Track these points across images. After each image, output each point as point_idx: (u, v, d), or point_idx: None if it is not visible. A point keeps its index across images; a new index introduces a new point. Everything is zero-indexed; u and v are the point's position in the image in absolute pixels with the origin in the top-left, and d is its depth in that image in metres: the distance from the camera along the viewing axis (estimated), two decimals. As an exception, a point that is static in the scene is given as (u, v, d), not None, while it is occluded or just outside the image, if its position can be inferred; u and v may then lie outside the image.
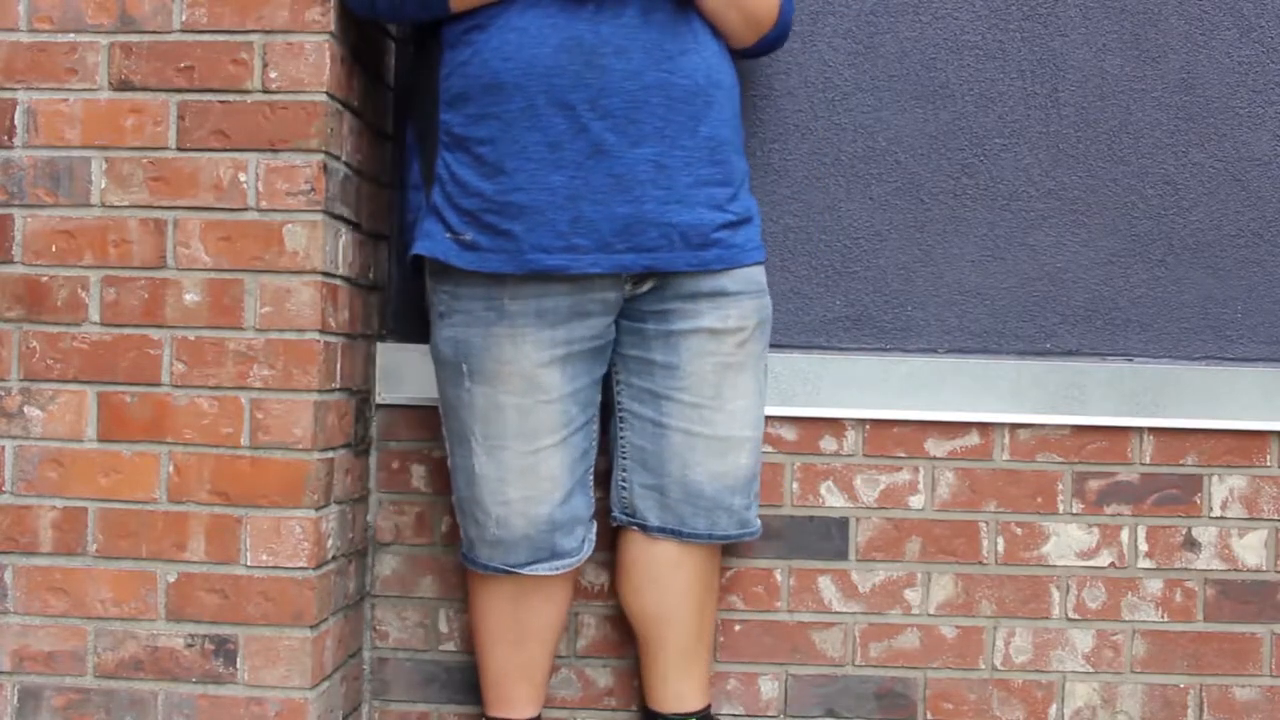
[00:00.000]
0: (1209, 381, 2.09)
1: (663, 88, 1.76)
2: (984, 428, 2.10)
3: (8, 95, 1.85)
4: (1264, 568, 2.11)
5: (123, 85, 1.84)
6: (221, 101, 1.82)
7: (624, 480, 1.92)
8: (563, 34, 1.74)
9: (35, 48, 1.84)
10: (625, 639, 2.11)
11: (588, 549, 1.92)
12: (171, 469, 1.83)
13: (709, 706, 1.98)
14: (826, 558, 2.10)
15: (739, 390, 1.87)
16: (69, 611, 1.85)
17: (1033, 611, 2.11)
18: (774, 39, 1.94)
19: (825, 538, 2.10)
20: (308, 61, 1.81)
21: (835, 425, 2.10)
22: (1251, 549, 2.11)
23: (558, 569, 1.88)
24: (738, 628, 2.11)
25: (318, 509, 1.84)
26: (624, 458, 1.92)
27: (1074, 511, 2.11)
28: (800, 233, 2.12)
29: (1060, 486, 2.10)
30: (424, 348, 2.10)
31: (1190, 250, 2.13)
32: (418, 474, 2.12)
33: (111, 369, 1.84)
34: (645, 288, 1.84)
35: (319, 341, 1.82)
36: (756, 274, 1.89)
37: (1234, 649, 2.10)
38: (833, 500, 2.10)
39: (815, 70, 2.13)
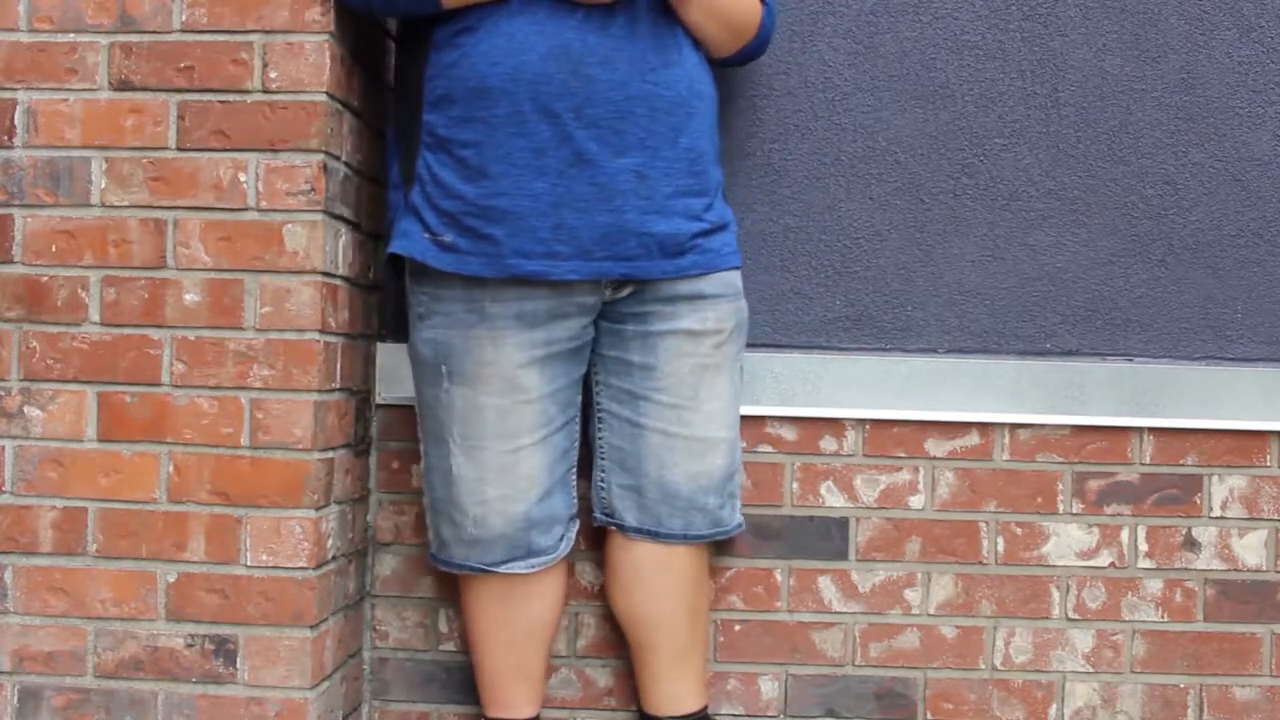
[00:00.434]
0: (1209, 381, 2.08)
1: (647, 99, 1.78)
2: (984, 428, 2.10)
3: (8, 95, 1.85)
4: (1264, 568, 2.11)
5: (123, 85, 1.84)
6: (221, 101, 1.82)
7: (603, 481, 1.93)
8: (550, 41, 1.75)
9: (35, 48, 1.84)
10: (625, 639, 2.11)
11: (565, 546, 1.92)
12: (171, 469, 1.83)
13: (705, 708, 1.98)
14: (826, 558, 2.10)
15: (715, 391, 1.88)
16: (69, 611, 1.85)
17: (1033, 611, 2.11)
18: (754, 50, 1.97)
19: (825, 538, 2.10)
20: (308, 61, 1.81)
21: (835, 425, 2.10)
22: (1251, 549, 2.11)
23: (533, 566, 1.88)
24: (738, 628, 2.11)
25: (318, 509, 1.84)
26: (602, 458, 1.92)
27: (1074, 511, 2.11)
28: (800, 233, 2.12)
29: (1060, 486, 2.10)
30: (424, 348, 2.10)
31: (1190, 250, 2.13)
32: (418, 474, 2.12)
33: (111, 369, 1.84)
34: (624, 293, 1.85)
35: (319, 341, 1.82)
36: (733, 278, 1.91)
37: (1234, 649, 2.10)
38: (833, 500, 2.10)
39: (815, 70, 2.13)
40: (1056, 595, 2.10)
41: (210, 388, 1.83)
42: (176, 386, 1.83)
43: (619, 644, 2.11)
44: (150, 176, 1.83)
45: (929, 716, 2.11)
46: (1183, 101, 2.12)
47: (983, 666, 2.11)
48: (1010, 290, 2.13)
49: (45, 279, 1.85)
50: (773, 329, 2.12)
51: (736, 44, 1.92)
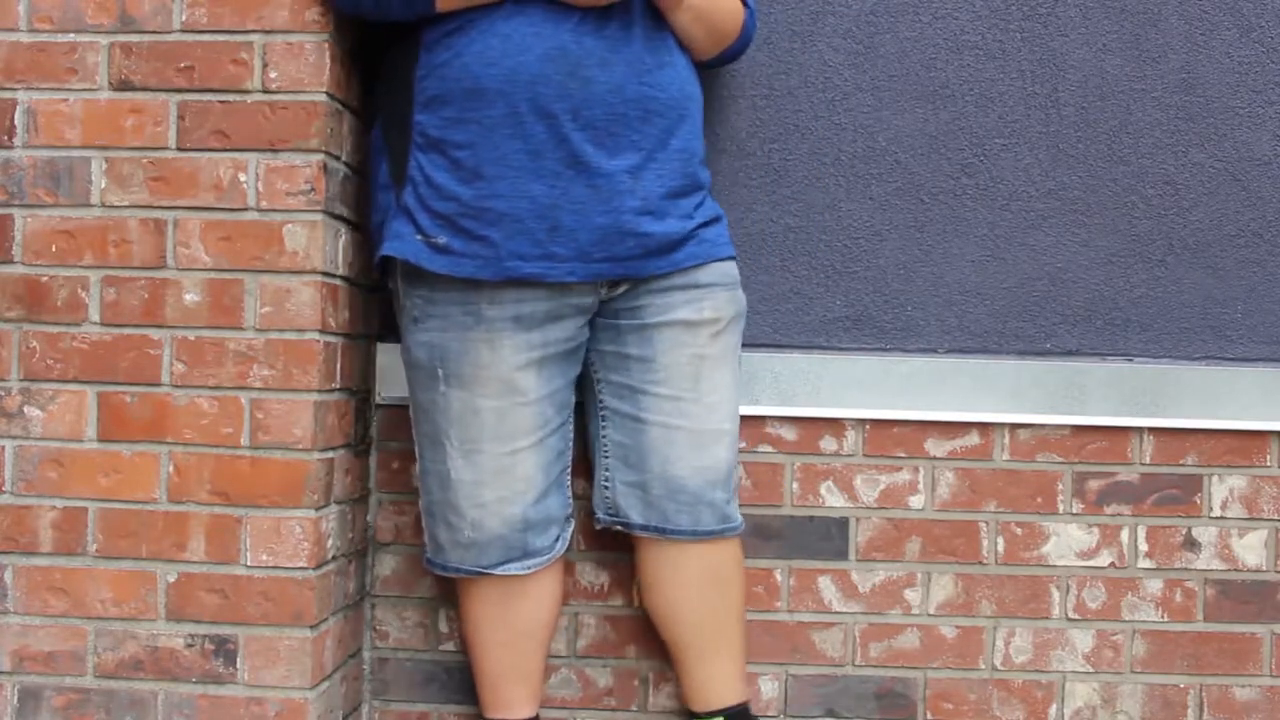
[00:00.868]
0: (1209, 381, 2.09)
1: (642, 101, 1.79)
2: (984, 428, 2.10)
3: (8, 95, 1.85)
4: (1264, 568, 2.11)
5: (123, 85, 1.84)
6: (221, 101, 1.82)
7: (607, 479, 1.92)
8: (547, 43, 1.75)
9: (35, 48, 1.84)
10: (625, 639, 2.11)
11: (561, 547, 1.92)
12: (171, 469, 1.83)
13: (742, 704, 1.97)
14: (826, 558, 2.10)
15: (715, 383, 1.88)
16: (69, 611, 1.85)
17: (1033, 611, 2.11)
18: (735, 52, 1.98)
19: (825, 538, 2.10)
20: (308, 61, 1.81)
21: (835, 425, 2.10)
22: (1251, 549, 2.11)
23: (529, 568, 1.88)
24: (738, 628, 2.11)
25: (318, 509, 1.84)
26: (606, 456, 1.92)
27: (1074, 511, 2.11)
28: (800, 233, 2.12)
29: (1060, 486, 2.10)
30: (424, 348, 2.10)
31: (1190, 250, 2.13)
32: (418, 474, 2.12)
33: (111, 369, 1.84)
34: (620, 290, 1.85)
35: (319, 341, 1.82)
36: (729, 268, 1.91)
37: (1234, 649, 2.10)
38: (833, 500, 2.10)
39: (815, 70, 2.13)
40: (1056, 595, 2.10)
41: (210, 388, 1.83)
42: (176, 386, 1.83)
43: (619, 644, 2.11)
44: (150, 176, 1.83)
45: (929, 716, 2.11)
46: (1183, 101, 2.12)
47: (983, 666, 2.11)
48: (1010, 290, 2.13)
49: (45, 279, 1.85)
50: (773, 329, 2.12)
51: (719, 47, 1.94)
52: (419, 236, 1.80)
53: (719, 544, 1.92)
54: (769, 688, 2.11)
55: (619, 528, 1.93)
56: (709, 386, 1.87)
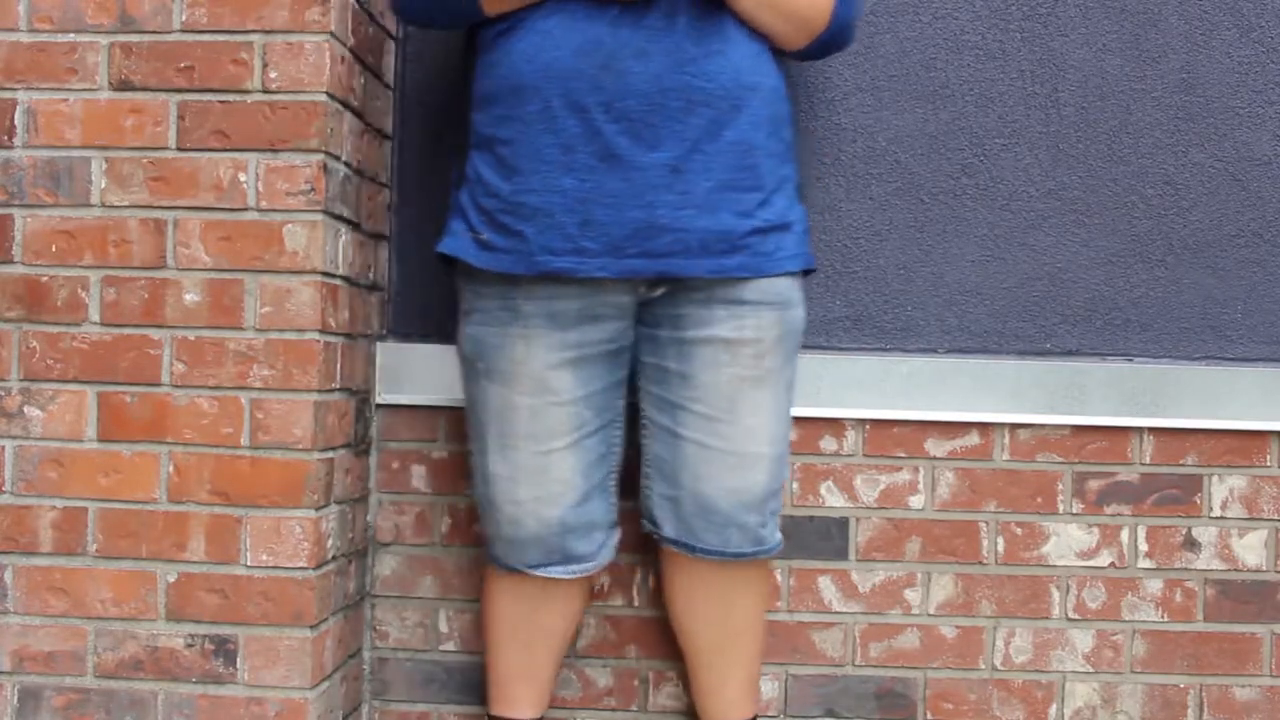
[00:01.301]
0: (1209, 381, 2.09)
1: (682, 91, 1.73)
2: (984, 428, 2.10)
3: (8, 95, 1.85)
4: (1264, 568, 2.11)
5: (123, 85, 1.84)
6: (221, 101, 1.82)
7: (647, 488, 1.90)
8: (583, 37, 1.73)
9: (35, 48, 1.84)
10: (625, 639, 2.11)
11: (606, 555, 1.90)
12: (171, 469, 1.83)
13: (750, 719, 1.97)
14: (826, 558, 2.10)
15: (757, 406, 1.82)
16: (69, 611, 1.85)
17: (1033, 611, 2.11)
18: (828, 40, 1.87)
19: (825, 538, 2.10)
20: (308, 61, 1.81)
21: (835, 425, 2.10)
22: (1251, 549, 2.11)
23: (572, 573, 1.87)
24: (738, 628, 2.11)
25: (318, 509, 1.84)
26: (646, 465, 1.90)
27: (1074, 511, 2.11)
28: (800, 233, 2.12)
29: (1060, 486, 2.10)
30: (424, 348, 2.11)
31: (1190, 250, 2.13)
32: (418, 474, 2.12)
33: (111, 369, 1.84)
34: (659, 292, 1.81)
35: (319, 341, 1.82)
36: (781, 286, 1.82)
37: (1234, 649, 2.10)
38: (833, 500, 2.10)
39: (815, 70, 2.13)
40: (1056, 595, 2.10)
41: (210, 388, 1.83)
42: (176, 386, 1.83)
43: (619, 644, 2.11)
44: (150, 176, 1.83)
45: (929, 716, 2.11)
46: (1183, 101, 2.12)
47: (983, 666, 2.11)
48: (1010, 290, 2.13)
49: (45, 279, 1.85)
50: (773, 329, 2.12)
51: (805, 34, 1.83)
52: (469, 233, 1.81)
53: (745, 563, 1.90)
54: (769, 688, 2.11)
55: (655, 537, 1.92)
56: (749, 409, 1.82)
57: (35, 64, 1.84)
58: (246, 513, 1.82)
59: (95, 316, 1.85)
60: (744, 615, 1.93)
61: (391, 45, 2.13)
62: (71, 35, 1.84)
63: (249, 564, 1.83)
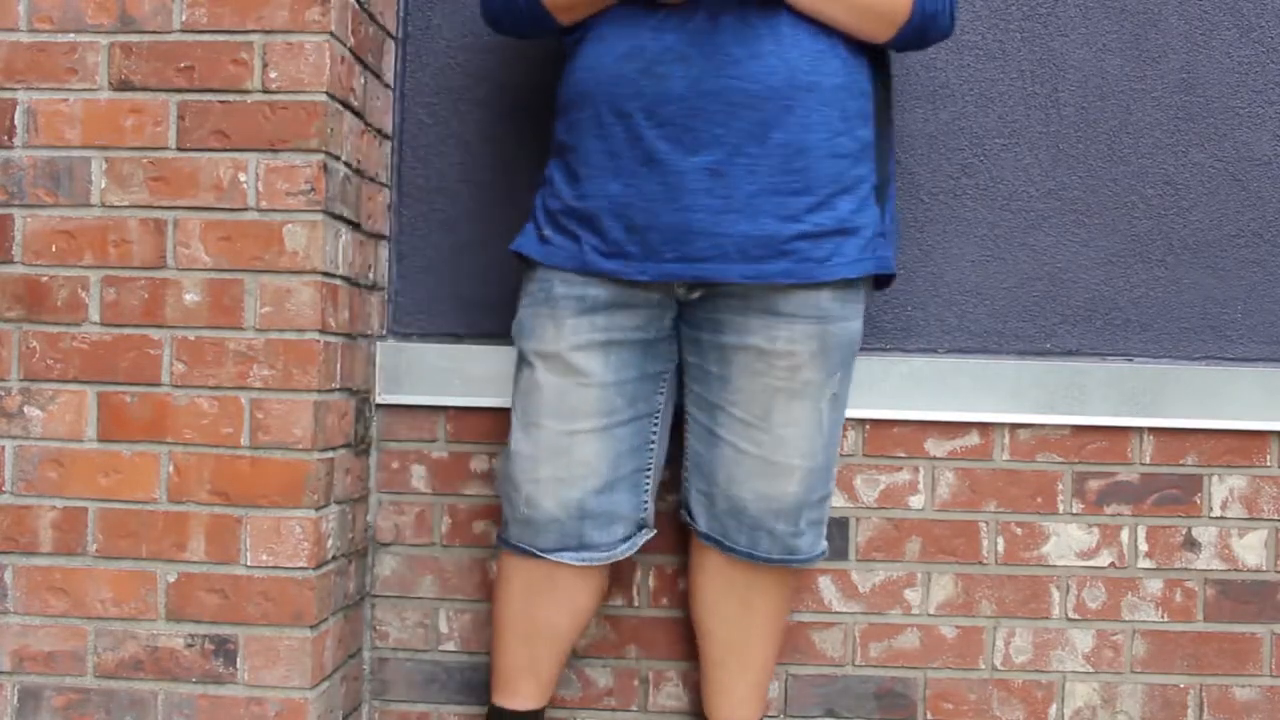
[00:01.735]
0: (1209, 381, 2.09)
1: (723, 94, 1.72)
2: (984, 428, 2.10)
3: (8, 95, 1.85)
4: (1264, 568, 2.11)
5: (123, 85, 1.84)
6: (221, 101, 1.82)
7: (686, 481, 1.92)
8: (629, 43, 1.75)
9: (35, 48, 1.84)
10: (625, 639, 2.11)
11: (625, 550, 1.88)
12: (171, 469, 1.83)
13: None
14: (826, 558, 2.10)
15: (791, 416, 1.81)
16: (69, 611, 1.85)
17: (1033, 611, 2.11)
18: (918, 29, 1.80)
19: (825, 537, 2.10)
20: (308, 61, 1.81)
21: (835, 425, 2.10)
22: (1251, 549, 2.11)
23: (584, 560, 1.86)
24: (738, 628, 2.11)
25: (318, 509, 1.84)
26: (687, 459, 1.91)
27: (1074, 511, 2.11)
28: (800, 233, 2.12)
29: (1060, 486, 2.10)
30: (424, 348, 2.11)
31: (1190, 250, 2.13)
32: (418, 474, 2.12)
33: (111, 369, 1.84)
34: (696, 295, 1.82)
35: (319, 341, 1.82)
36: (822, 299, 1.78)
37: (1234, 649, 2.10)
38: (833, 500, 2.10)
39: (815, 70, 2.12)
40: (1056, 595, 2.10)
41: (210, 388, 1.83)
42: (176, 386, 1.83)
43: (619, 644, 2.11)
44: (150, 176, 1.84)
45: (929, 716, 2.11)
46: (1183, 101, 2.12)
47: (983, 666, 2.11)
48: (1010, 290, 2.13)
49: (45, 279, 1.85)
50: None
51: (883, 27, 1.78)
52: (535, 232, 1.85)
53: (769, 568, 1.90)
54: (769, 688, 2.10)
55: (692, 528, 1.92)
56: (782, 419, 1.81)
57: (35, 64, 1.84)
58: (246, 513, 1.82)
59: (95, 316, 1.85)
60: (763, 618, 1.93)
61: (391, 45, 2.13)
62: (71, 35, 1.84)
63: (249, 564, 1.83)
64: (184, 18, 1.82)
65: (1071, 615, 2.11)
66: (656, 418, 1.89)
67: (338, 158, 1.88)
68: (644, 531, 1.91)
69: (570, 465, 1.82)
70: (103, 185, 1.84)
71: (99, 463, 1.84)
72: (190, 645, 1.84)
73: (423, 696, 2.12)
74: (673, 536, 2.05)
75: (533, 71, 2.11)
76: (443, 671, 2.13)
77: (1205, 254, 2.13)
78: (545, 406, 1.82)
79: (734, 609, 1.93)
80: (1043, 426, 2.10)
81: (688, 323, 1.85)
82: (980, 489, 2.10)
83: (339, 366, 1.92)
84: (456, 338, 2.13)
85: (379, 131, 2.09)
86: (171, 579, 1.84)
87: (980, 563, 2.11)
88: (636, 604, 2.11)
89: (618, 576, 2.10)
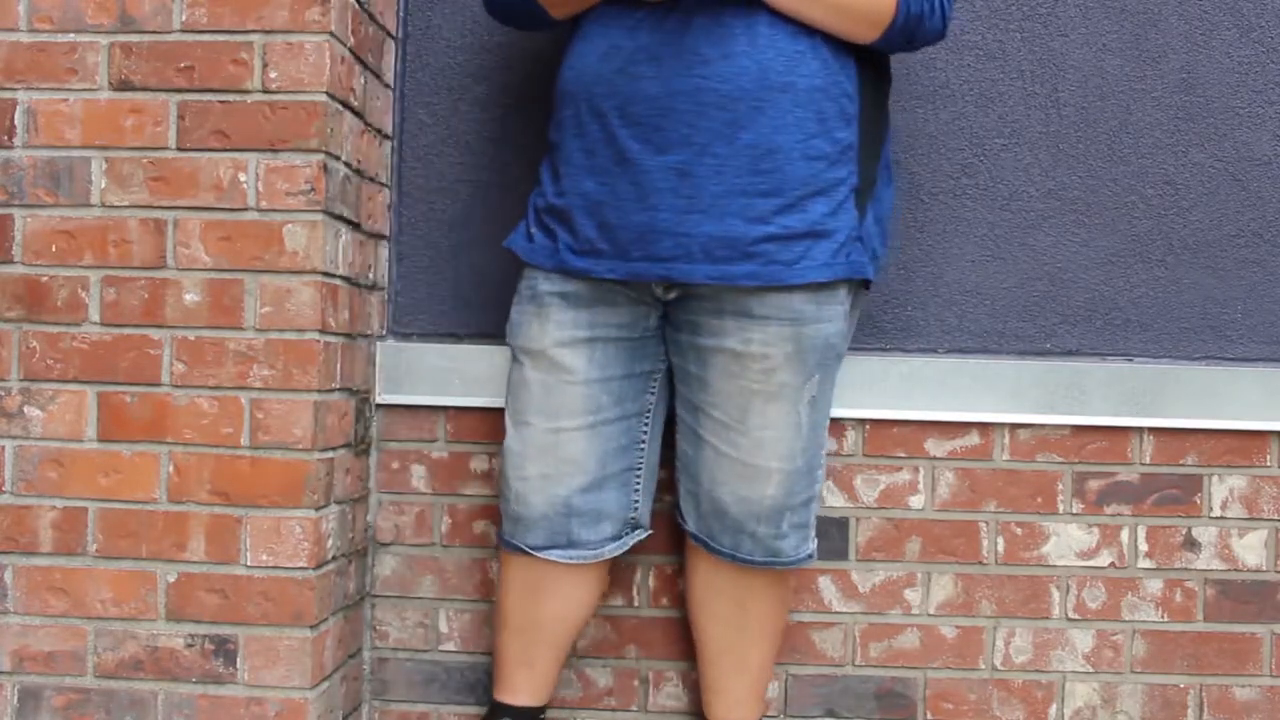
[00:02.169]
0: (1209, 381, 2.08)
1: (692, 93, 1.72)
2: (984, 428, 2.10)
3: (8, 95, 1.85)
4: (1264, 568, 2.11)
5: (123, 85, 1.84)
6: (221, 101, 1.82)
7: (677, 480, 1.93)
8: (608, 42, 1.76)
9: (35, 48, 1.84)
10: (625, 639, 2.11)
11: (614, 549, 1.89)
12: (171, 469, 1.83)
13: None
14: (826, 558, 2.10)
15: (767, 419, 1.80)
16: (69, 611, 1.85)
17: (1033, 611, 2.11)
18: (903, 30, 1.78)
19: (825, 538, 2.10)
20: (308, 61, 1.81)
21: (835, 425, 2.10)
22: (1251, 549, 2.11)
23: (572, 559, 1.86)
24: (738, 628, 2.11)
25: (318, 509, 1.84)
26: (677, 459, 1.92)
27: (1074, 511, 2.11)
28: (800, 233, 2.12)
29: (1060, 486, 2.10)
30: (424, 348, 2.11)
31: (1190, 250, 2.13)
32: (418, 474, 2.12)
33: (111, 369, 1.84)
34: (672, 295, 1.82)
35: (319, 341, 1.82)
36: (795, 301, 1.76)
37: (1234, 649, 2.10)
38: (833, 500, 2.10)
39: (815, 70, 2.12)
40: (1056, 595, 2.10)
41: (210, 388, 1.83)
42: (176, 386, 1.83)
43: (619, 644, 2.11)
44: (150, 176, 1.84)
45: (929, 716, 2.11)
46: (1183, 101, 2.12)
47: (983, 666, 2.11)
48: (1010, 290, 2.13)
49: (45, 279, 1.85)
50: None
51: (866, 28, 1.77)
52: (525, 229, 1.87)
53: (759, 571, 1.89)
54: (769, 688, 2.10)
55: (683, 528, 1.93)
56: (758, 422, 1.80)
57: (35, 64, 1.84)
58: (246, 513, 1.82)
59: (95, 316, 1.85)
60: (758, 619, 1.93)
61: (391, 45, 2.13)
62: (71, 35, 1.84)
63: (249, 564, 1.83)
64: (184, 18, 1.82)
65: (1071, 615, 2.11)
66: (647, 417, 1.90)
67: (338, 158, 1.88)
68: (636, 531, 1.92)
69: (557, 462, 1.83)
70: (103, 185, 1.84)
71: (99, 463, 1.84)
72: (190, 645, 1.84)
73: (423, 696, 2.12)
74: (671, 537, 2.05)
75: (533, 72, 2.12)
76: (443, 671, 2.13)
77: (1205, 254, 2.12)
78: (532, 404, 1.84)
79: (728, 610, 1.93)
80: (1043, 426, 2.10)
81: (670, 324, 1.86)
82: (980, 489, 2.10)
83: (339, 366, 1.92)
84: (456, 338, 2.13)
85: (379, 131, 2.09)
86: (171, 579, 1.84)
87: (980, 563, 2.11)
88: (636, 604, 2.11)
89: (618, 576, 2.10)
